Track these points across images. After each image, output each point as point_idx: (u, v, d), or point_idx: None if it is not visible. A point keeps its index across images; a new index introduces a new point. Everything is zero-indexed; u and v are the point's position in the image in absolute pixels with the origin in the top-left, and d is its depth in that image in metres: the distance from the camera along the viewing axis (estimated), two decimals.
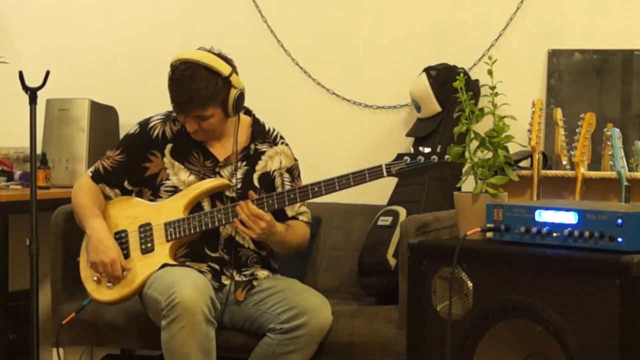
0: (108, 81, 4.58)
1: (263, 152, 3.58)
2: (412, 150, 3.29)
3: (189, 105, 3.42)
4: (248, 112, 3.64)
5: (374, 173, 3.30)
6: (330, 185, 3.34)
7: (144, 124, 3.59)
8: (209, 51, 3.47)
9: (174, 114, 3.55)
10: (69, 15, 4.70)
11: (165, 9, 4.56)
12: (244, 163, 3.55)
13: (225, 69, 3.43)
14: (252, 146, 3.58)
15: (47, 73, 3.38)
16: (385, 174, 3.29)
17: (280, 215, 3.51)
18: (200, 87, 3.40)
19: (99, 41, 4.63)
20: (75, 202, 3.57)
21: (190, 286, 3.23)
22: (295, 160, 3.64)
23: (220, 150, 3.56)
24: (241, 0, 4.39)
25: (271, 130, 3.64)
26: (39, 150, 3.90)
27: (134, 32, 4.58)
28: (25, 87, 3.39)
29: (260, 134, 3.60)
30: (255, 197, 3.38)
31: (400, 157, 3.29)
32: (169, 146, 3.55)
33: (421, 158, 3.25)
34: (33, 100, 3.39)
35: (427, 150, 3.26)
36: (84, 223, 3.52)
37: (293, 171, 3.62)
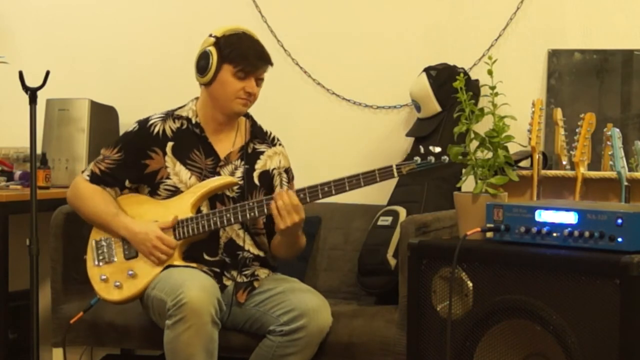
0: (108, 81, 4.58)
1: (262, 152, 3.59)
2: (422, 150, 3.23)
3: (268, 56, 3.52)
4: (245, 113, 3.64)
5: (385, 173, 3.26)
6: (340, 185, 3.30)
7: (143, 122, 3.59)
8: None
9: (176, 113, 3.56)
10: (69, 15, 4.70)
11: (165, 9, 4.55)
12: (243, 162, 3.55)
13: None
14: (251, 145, 3.59)
15: (47, 73, 3.37)
16: (396, 174, 3.24)
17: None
18: None
19: (99, 41, 4.63)
20: (87, 211, 3.53)
21: (197, 287, 3.23)
22: (289, 163, 3.66)
23: (222, 146, 3.55)
24: (241, 0, 4.39)
25: (268, 132, 3.66)
26: (39, 150, 3.90)
27: (134, 32, 4.58)
28: (25, 87, 3.38)
29: (259, 134, 3.62)
30: (290, 191, 3.35)
31: (410, 157, 3.24)
32: (170, 144, 3.55)
33: (432, 158, 3.20)
34: (33, 100, 3.38)
35: (437, 149, 3.20)
36: (110, 229, 3.49)
37: (289, 172, 3.63)
